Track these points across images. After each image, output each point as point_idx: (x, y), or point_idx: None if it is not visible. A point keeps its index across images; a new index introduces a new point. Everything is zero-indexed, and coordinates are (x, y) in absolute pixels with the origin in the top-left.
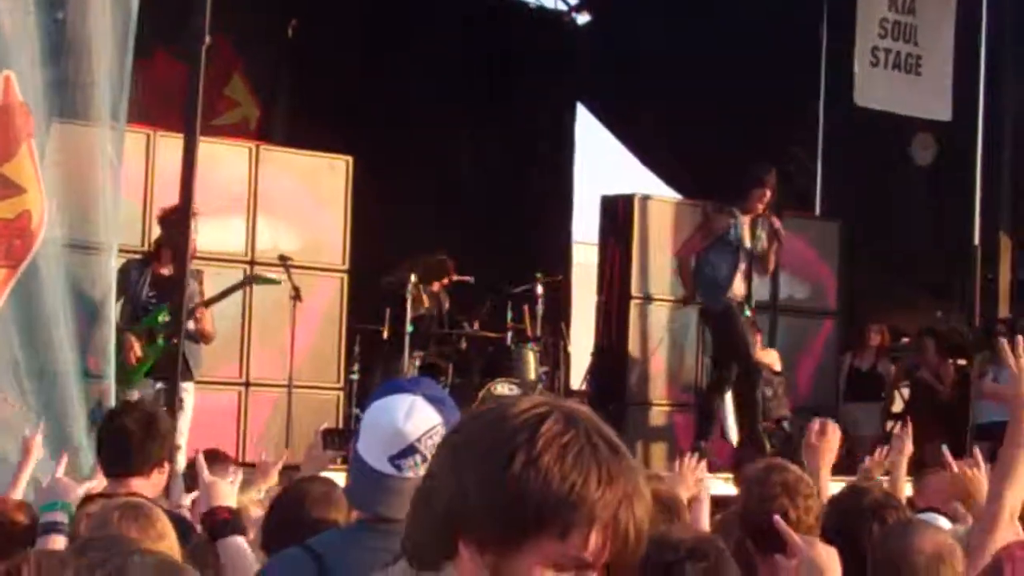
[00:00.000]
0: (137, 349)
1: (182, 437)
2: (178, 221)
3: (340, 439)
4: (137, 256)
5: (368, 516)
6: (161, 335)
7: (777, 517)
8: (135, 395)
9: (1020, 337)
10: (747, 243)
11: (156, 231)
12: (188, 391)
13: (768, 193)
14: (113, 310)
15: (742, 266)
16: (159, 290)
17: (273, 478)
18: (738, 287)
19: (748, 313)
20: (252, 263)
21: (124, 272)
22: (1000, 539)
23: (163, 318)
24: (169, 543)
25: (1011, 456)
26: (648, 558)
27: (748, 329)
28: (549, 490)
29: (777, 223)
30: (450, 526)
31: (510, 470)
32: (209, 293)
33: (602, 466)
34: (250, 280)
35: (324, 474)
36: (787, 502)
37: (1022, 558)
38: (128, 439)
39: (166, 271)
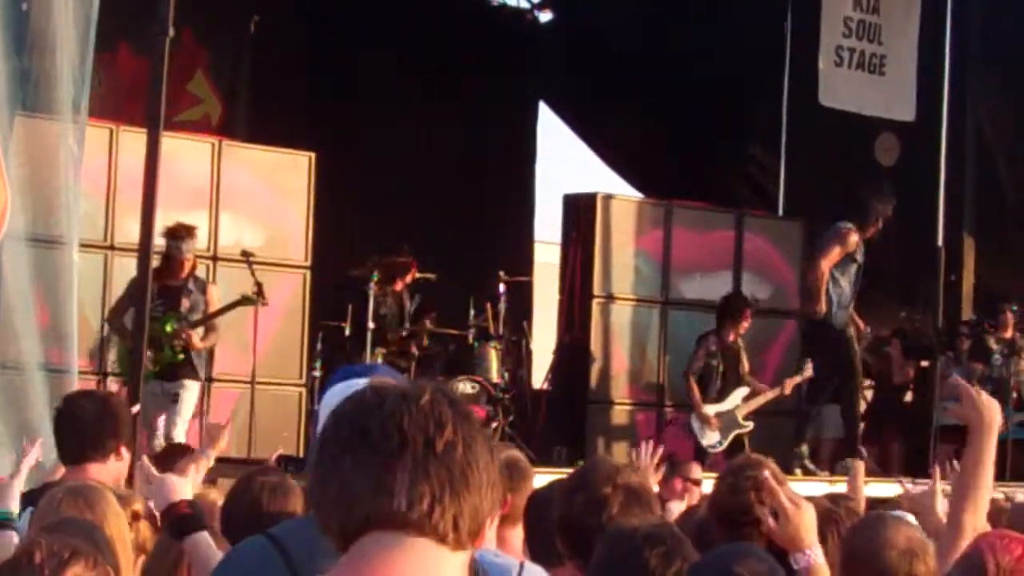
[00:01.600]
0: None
1: (177, 430)
2: (181, 235)
3: (295, 465)
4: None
5: None
6: (167, 345)
7: (767, 474)
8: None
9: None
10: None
11: (126, 228)
12: (190, 388)
13: (882, 223)
14: (75, 304)
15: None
16: (164, 299)
17: (221, 445)
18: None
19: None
20: (215, 259)
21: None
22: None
23: (169, 328)
24: (117, 524)
25: (967, 482)
26: (607, 548)
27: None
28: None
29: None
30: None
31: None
32: (219, 302)
33: None
34: (242, 302)
35: None
36: (753, 497)
37: (1002, 547)
38: (81, 422)
39: (171, 282)
